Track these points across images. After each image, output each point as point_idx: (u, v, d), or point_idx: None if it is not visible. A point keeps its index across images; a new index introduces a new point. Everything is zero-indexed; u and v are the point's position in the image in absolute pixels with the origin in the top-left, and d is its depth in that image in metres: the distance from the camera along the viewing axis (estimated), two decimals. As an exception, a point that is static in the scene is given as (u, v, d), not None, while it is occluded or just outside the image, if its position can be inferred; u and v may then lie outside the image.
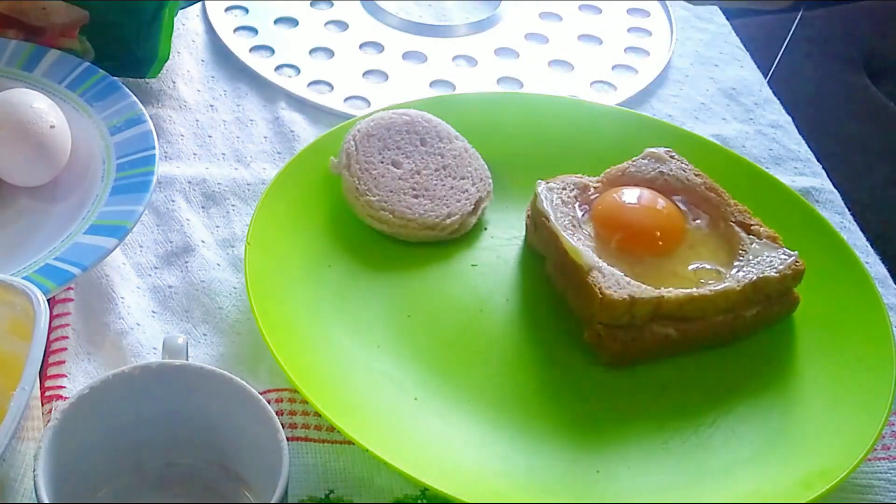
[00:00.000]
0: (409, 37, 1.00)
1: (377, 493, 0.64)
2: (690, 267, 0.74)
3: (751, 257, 0.74)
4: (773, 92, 0.98)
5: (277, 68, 0.94)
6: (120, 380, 0.58)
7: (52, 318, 0.67)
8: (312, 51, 0.97)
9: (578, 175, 0.79)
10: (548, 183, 0.78)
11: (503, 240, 0.79)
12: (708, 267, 0.74)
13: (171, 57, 0.90)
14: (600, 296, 0.70)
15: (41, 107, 0.77)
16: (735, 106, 0.96)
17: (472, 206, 0.79)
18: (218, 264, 0.77)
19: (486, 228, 0.80)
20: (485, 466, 0.65)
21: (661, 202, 0.77)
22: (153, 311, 0.74)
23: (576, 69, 0.98)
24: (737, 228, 0.76)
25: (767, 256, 0.74)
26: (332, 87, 0.93)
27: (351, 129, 0.80)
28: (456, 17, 1.03)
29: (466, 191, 0.80)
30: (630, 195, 0.77)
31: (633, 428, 0.69)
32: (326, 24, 1.00)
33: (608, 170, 0.80)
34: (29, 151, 0.76)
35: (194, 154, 0.86)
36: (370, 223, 0.78)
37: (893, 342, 0.72)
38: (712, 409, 0.70)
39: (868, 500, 0.67)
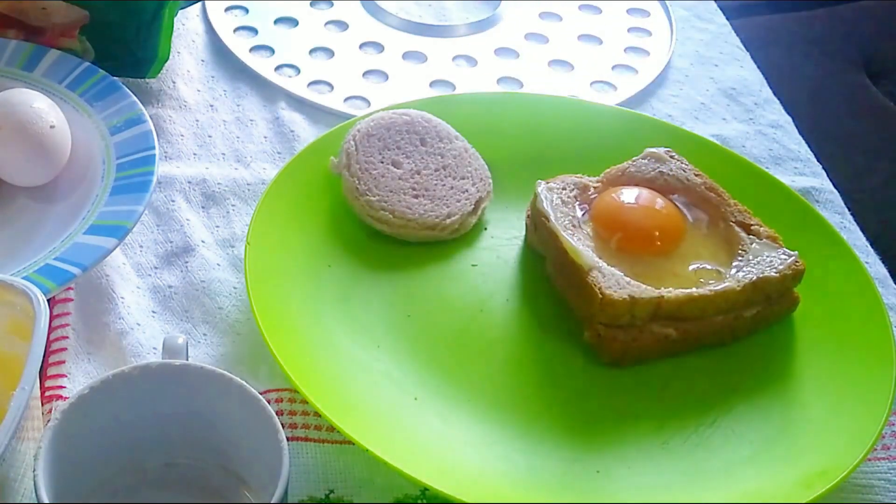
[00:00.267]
0: (409, 37, 1.00)
1: (377, 493, 0.64)
2: (690, 267, 0.74)
3: (751, 257, 0.74)
4: (773, 92, 0.98)
5: (277, 68, 0.94)
6: (120, 380, 0.58)
7: (52, 318, 0.67)
8: (312, 51, 0.97)
9: (578, 175, 0.79)
10: (548, 183, 0.78)
11: (503, 240, 0.79)
12: (708, 267, 0.74)
13: (171, 57, 0.90)
14: (600, 296, 0.70)
15: (41, 107, 0.77)
16: (735, 106, 0.96)
17: (472, 206, 0.79)
18: (218, 264, 0.77)
19: (486, 228, 0.80)
20: (485, 466, 0.65)
21: (661, 202, 0.77)
22: (153, 311, 0.74)
23: (576, 69, 0.98)
24: (737, 228, 0.76)
25: (767, 256, 0.74)
26: (332, 87, 0.93)
27: (351, 129, 0.80)
28: (456, 17, 1.03)
29: (466, 191, 0.80)
30: (629, 195, 0.77)
31: (633, 428, 0.69)
32: (326, 24, 1.00)
33: (608, 170, 0.80)
34: (29, 151, 0.76)
35: (194, 154, 0.86)
36: (370, 223, 0.78)
37: (893, 342, 0.72)
38: (712, 409, 0.70)
39: (868, 500, 0.67)
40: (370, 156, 0.79)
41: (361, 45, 0.98)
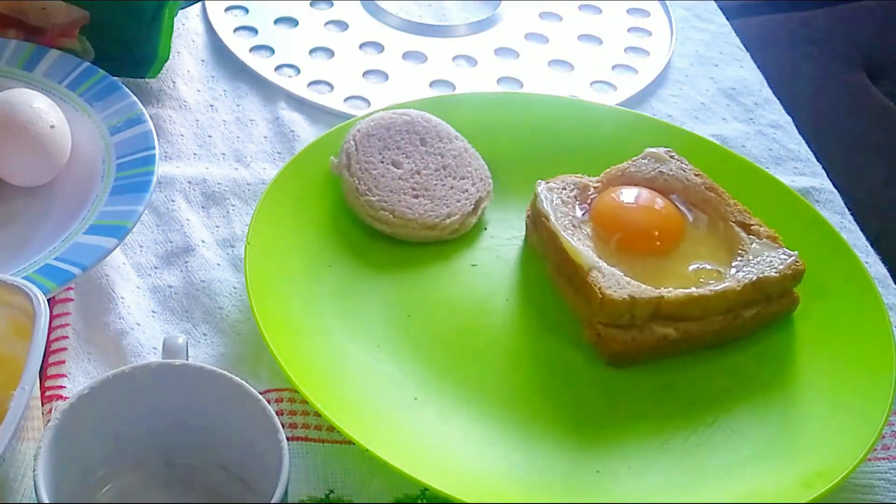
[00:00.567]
0: (409, 37, 1.00)
1: (377, 493, 0.64)
2: (690, 267, 0.74)
3: (750, 257, 0.74)
4: (773, 92, 0.98)
5: (277, 68, 0.94)
6: (120, 380, 0.58)
7: (52, 318, 0.67)
8: (312, 51, 0.97)
9: (578, 175, 0.79)
10: (548, 183, 0.78)
11: (503, 240, 0.79)
12: (708, 267, 0.74)
13: (171, 57, 0.90)
14: (600, 296, 0.70)
15: (41, 107, 0.77)
16: (735, 106, 0.96)
17: (472, 206, 0.79)
18: (218, 264, 0.77)
19: (486, 228, 0.80)
20: (485, 466, 0.65)
21: (661, 202, 0.77)
22: (153, 311, 0.74)
23: (576, 69, 0.98)
24: (736, 228, 0.76)
25: (767, 256, 0.74)
26: (332, 87, 0.93)
27: (351, 129, 0.81)
28: (456, 17, 1.03)
29: (466, 191, 0.80)
30: (629, 195, 0.77)
31: (633, 428, 0.68)
32: (326, 24, 1.00)
33: (608, 170, 0.80)
34: (29, 151, 0.76)
35: (194, 154, 0.86)
36: (370, 223, 0.78)
37: (893, 342, 0.72)
38: (712, 409, 0.70)
39: (868, 500, 0.67)
40: (370, 156, 0.79)
41: (361, 45, 0.98)
